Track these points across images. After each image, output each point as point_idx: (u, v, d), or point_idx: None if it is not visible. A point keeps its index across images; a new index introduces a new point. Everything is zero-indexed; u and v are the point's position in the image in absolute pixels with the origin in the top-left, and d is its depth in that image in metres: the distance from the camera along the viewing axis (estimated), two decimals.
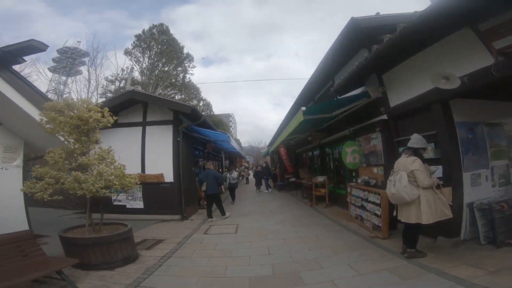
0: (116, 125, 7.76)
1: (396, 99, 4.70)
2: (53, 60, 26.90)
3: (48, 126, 3.95)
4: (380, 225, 4.56)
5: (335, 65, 6.77)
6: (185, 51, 26.88)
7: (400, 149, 4.54)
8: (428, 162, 3.61)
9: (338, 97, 5.73)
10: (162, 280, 3.31)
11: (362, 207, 5.28)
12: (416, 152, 3.52)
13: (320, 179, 8.44)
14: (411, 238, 3.57)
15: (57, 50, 28.31)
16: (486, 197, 3.90)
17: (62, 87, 24.80)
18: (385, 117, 5.06)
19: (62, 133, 3.98)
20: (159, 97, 9.17)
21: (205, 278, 3.33)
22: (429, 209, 3.27)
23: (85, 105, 4.11)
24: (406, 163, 3.46)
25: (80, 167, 3.89)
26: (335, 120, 7.07)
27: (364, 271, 3.20)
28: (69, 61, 27.33)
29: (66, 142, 4.12)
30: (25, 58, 4.38)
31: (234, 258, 4.01)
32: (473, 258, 3.23)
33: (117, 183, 3.85)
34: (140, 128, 7.66)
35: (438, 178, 3.62)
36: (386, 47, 3.63)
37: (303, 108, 4.93)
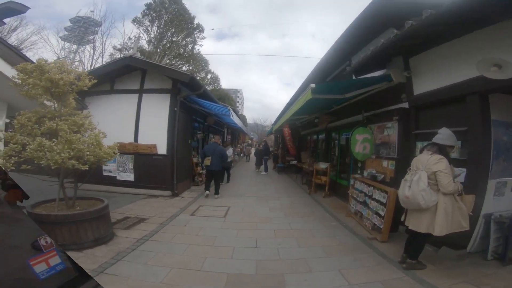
0: (111, 91, 7.50)
1: (422, 86, 4.00)
2: (65, 29, 26.62)
3: (26, 88, 3.56)
4: (381, 226, 4.10)
5: (354, 43, 5.82)
6: (196, 21, 25.83)
7: (419, 144, 3.96)
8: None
9: (354, 78, 5.02)
10: (129, 267, 2.97)
11: (364, 204, 4.79)
12: (442, 150, 2.93)
13: (323, 166, 7.91)
14: (415, 248, 3.11)
15: (70, 20, 27.97)
16: (506, 210, 3.39)
17: (72, 55, 24.42)
18: (406, 105, 4.39)
19: (37, 95, 3.60)
20: (157, 63, 8.54)
21: (178, 269, 2.98)
22: (445, 219, 2.76)
23: (58, 67, 3.62)
24: (429, 162, 2.89)
25: (51, 133, 3.45)
26: (346, 103, 6.38)
27: (356, 281, 2.81)
28: (81, 30, 26.65)
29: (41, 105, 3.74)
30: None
31: (216, 248, 3.65)
32: (475, 276, 2.87)
33: (89, 153, 3.40)
34: (136, 96, 7.17)
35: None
36: (425, 24, 2.88)
37: (313, 85, 4.27)
